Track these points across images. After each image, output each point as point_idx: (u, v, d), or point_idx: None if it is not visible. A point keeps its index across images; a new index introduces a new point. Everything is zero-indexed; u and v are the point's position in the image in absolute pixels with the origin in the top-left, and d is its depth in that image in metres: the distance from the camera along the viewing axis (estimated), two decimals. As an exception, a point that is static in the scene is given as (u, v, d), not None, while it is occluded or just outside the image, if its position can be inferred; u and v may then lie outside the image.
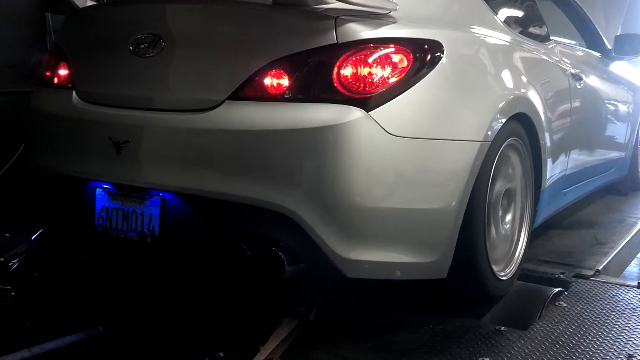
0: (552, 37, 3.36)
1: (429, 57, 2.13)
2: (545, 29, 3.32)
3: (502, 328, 2.27)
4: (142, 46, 2.25)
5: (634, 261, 3.67)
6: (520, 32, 3.01)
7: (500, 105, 2.38)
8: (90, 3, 2.61)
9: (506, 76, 2.55)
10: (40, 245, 2.73)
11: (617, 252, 3.27)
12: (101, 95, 2.35)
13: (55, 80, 2.54)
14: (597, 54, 4.09)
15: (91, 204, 2.28)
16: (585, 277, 2.82)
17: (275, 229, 2.02)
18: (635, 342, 2.17)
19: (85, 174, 2.30)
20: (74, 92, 2.42)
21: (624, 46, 4.12)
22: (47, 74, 2.58)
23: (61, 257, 2.78)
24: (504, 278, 2.51)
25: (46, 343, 2.22)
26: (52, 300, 2.59)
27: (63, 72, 2.52)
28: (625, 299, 2.58)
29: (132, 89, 2.27)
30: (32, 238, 2.73)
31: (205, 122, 2.07)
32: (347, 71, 2.01)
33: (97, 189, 2.27)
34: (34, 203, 2.53)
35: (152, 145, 2.15)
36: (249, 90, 2.07)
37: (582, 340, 2.18)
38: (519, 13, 3.21)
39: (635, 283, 2.76)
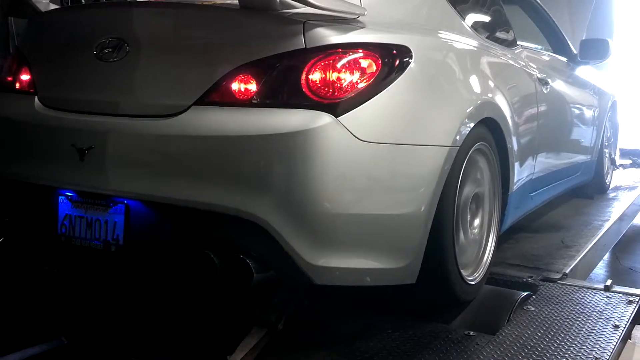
0: (518, 42, 3.40)
1: (397, 62, 2.13)
2: (512, 34, 3.35)
3: (471, 333, 2.27)
4: (106, 50, 2.21)
5: (600, 264, 3.72)
6: (488, 37, 3.03)
7: (468, 110, 2.39)
8: (53, 7, 2.55)
9: (474, 81, 2.56)
10: (1, 254, 2.66)
11: (583, 255, 3.30)
12: (64, 100, 2.30)
13: (17, 85, 2.48)
14: (563, 59, 4.14)
15: (54, 212, 2.23)
16: (553, 281, 2.84)
17: (243, 236, 1.99)
18: (602, 345, 2.19)
19: (47, 181, 2.25)
20: (36, 97, 2.36)
21: (589, 51, 4.18)
22: (9, 79, 2.52)
23: (23, 267, 2.71)
24: (472, 282, 2.52)
25: (8, 355, 2.16)
26: (14, 311, 2.52)
27: (25, 77, 2.46)
28: (592, 302, 2.60)
29: (96, 94, 2.23)
30: (-7, 247, 2.67)
31: (171, 127, 2.04)
32: (315, 76, 2.00)
33: (60, 197, 2.22)
34: (-6, 211, 2.47)
35: (116, 152, 2.10)
36: (216, 95, 2.04)
37: (550, 344, 2.19)
38: (486, 18, 3.23)
39: (601, 286, 2.78)
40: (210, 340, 2.24)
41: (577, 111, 4.15)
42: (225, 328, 2.28)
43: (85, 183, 2.15)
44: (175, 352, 2.17)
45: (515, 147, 2.86)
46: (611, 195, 5.03)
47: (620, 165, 5.96)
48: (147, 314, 2.46)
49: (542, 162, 3.36)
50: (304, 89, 1.99)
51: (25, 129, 2.34)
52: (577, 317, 2.43)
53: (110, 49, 2.20)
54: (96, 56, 2.22)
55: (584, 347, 2.17)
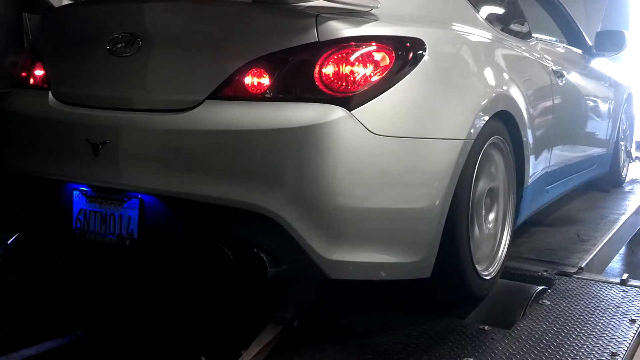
0: (533, 34, 3.36)
1: (411, 55, 2.11)
2: (527, 26, 3.32)
3: (486, 327, 2.26)
4: (119, 46, 2.21)
5: (616, 257, 3.69)
6: (502, 29, 3.00)
7: (482, 103, 2.37)
8: (66, 2, 2.56)
9: (488, 74, 2.54)
10: (17, 249, 2.68)
11: (599, 249, 3.27)
12: (78, 95, 2.31)
13: (31, 80, 2.49)
14: (578, 51, 4.11)
15: (68, 207, 2.24)
16: (568, 275, 2.82)
17: (257, 230, 1.99)
18: (618, 339, 2.17)
19: (62, 176, 2.26)
20: (50, 92, 2.37)
21: (604, 42, 4.14)
22: (23, 74, 2.53)
23: (39, 261, 2.73)
24: (487, 277, 2.50)
25: (24, 349, 2.18)
26: (30, 306, 2.54)
27: (39, 72, 2.47)
28: (608, 296, 2.58)
29: (110, 89, 2.23)
30: (9, 242, 2.69)
31: (184, 122, 2.04)
32: (328, 70, 1.99)
33: (75, 192, 2.23)
34: (9, 206, 2.48)
35: (130, 147, 2.11)
36: (229, 90, 2.04)
37: (565, 339, 2.17)
38: (500, 10, 3.20)
39: (617, 280, 2.76)
40: (226, 335, 2.25)
41: (592, 104, 4.11)
42: (240, 323, 2.28)
43: (100, 178, 2.16)
44: (191, 346, 2.18)
45: (531, 140, 2.84)
46: (627, 188, 4.99)
47: (637, 157, 5.90)
48: (162, 309, 2.46)
49: (558, 155, 3.33)
50: (317, 83, 1.98)
51: (40, 125, 2.35)
52: (593, 312, 2.41)
53: (123, 44, 2.20)
54: (109, 51, 2.22)
55: (600, 342, 2.16)
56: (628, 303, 2.50)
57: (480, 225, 2.49)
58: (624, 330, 2.25)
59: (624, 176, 5.09)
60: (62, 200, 2.26)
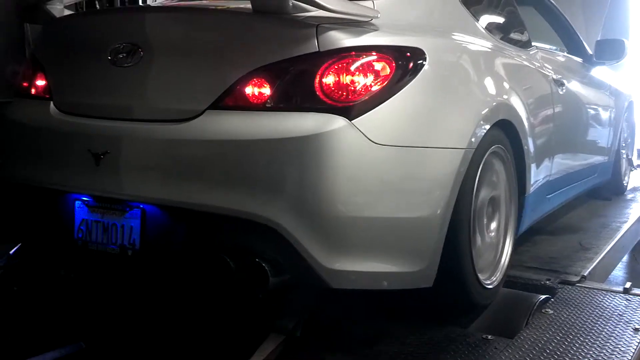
0: (533, 43, 3.37)
1: (411, 64, 2.12)
2: (527, 35, 3.33)
3: (489, 337, 2.25)
4: (120, 56, 2.21)
5: (619, 266, 3.67)
6: (502, 39, 3.01)
7: (483, 112, 2.37)
8: (67, 12, 2.57)
9: (489, 83, 2.54)
10: (19, 259, 2.68)
11: (602, 257, 3.27)
12: (79, 105, 2.31)
13: (33, 91, 2.50)
14: (579, 59, 4.11)
15: (70, 217, 2.24)
16: (571, 284, 2.81)
17: (259, 240, 1.99)
18: (621, 349, 2.17)
19: (63, 186, 2.26)
20: (51, 102, 2.38)
21: (604, 51, 4.15)
22: (25, 84, 2.54)
23: (41, 272, 2.73)
24: (490, 286, 2.50)
25: (26, 360, 2.18)
26: (33, 316, 2.54)
27: (40, 82, 2.48)
28: (611, 305, 2.57)
29: (111, 99, 2.24)
30: (11, 252, 2.68)
31: (185, 132, 2.04)
32: (329, 79, 1.99)
33: (77, 202, 2.23)
34: (12, 216, 2.48)
35: (132, 157, 2.11)
36: (230, 100, 2.04)
37: (569, 348, 2.16)
38: (500, 19, 3.21)
39: (620, 288, 2.75)
40: (228, 346, 2.24)
41: (593, 112, 4.11)
42: (242, 333, 2.27)
43: (101, 188, 2.16)
44: (193, 356, 2.17)
45: (532, 149, 2.84)
46: (629, 196, 4.98)
47: (638, 165, 5.90)
48: (164, 319, 2.46)
49: (559, 164, 3.33)
50: (317, 93, 1.99)
51: (41, 135, 2.35)
52: (596, 321, 2.40)
53: (124, 54, 2.21)
54: (110, 61, 2.23)
55: (604, 351, 2.15)
56: (631, 312, 2.49)
57: (482, 234, 2.49)
58: (627, 339, 2.24)
59: (625, 184, 5.09)
60: (64, 210, 2.26)
